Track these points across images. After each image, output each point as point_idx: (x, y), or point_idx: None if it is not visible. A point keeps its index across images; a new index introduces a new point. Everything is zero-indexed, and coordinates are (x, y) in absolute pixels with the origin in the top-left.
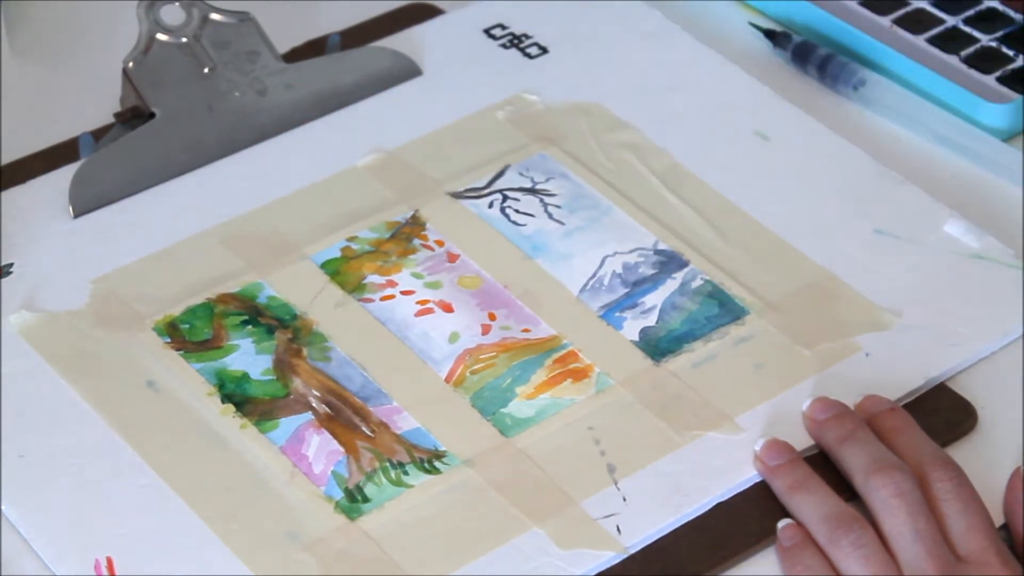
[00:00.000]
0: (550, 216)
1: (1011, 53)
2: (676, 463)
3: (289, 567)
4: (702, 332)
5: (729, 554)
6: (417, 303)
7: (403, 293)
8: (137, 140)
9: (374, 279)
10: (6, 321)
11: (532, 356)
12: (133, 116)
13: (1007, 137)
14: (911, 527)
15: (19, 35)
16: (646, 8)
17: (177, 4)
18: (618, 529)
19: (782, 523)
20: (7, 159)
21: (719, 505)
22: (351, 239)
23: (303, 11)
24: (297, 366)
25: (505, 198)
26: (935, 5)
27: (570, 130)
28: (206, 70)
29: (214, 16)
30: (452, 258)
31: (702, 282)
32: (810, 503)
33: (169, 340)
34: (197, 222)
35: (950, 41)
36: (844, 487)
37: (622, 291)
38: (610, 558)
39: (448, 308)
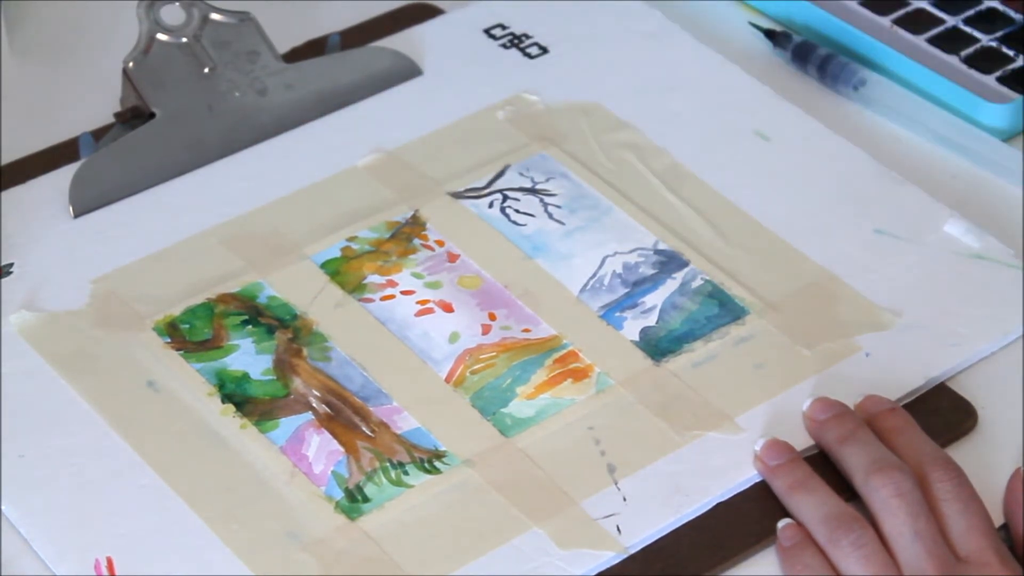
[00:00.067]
0: (550, 216)
1: (1011, 53)
2: (676, 463)
3: (289, 567)
4: (702, 332)
5: (729, 554)
6: (417, 303)
7: (403, 293)
8: (137, 140)
9: (374, 279)
10: (6, 321)
11: (532, 356)
12: (133, 116)
13: (1007, 137)
14: (911, 527)
15: (19, 35)
16: (646, 8)
17: (177, 4)
18: (618, 529)
19: (782, 523)
20: (7, 159)
21: (719, 505)
22: (351, 239)
23: (303, 11)
24: (297, 366)
25: (505, 198)
26: (935, 5)
27: (570, 130)
28: (206, 70)
29: (214, 16)
30: (452, 258)
31: (702, 282)
32: (810, 503)
33: (169, 340)
34: (197, 222)
35: (950, 41)
36: (844, 487)
37: (622, 291)
38: (610, 558)
39: (448, 308)
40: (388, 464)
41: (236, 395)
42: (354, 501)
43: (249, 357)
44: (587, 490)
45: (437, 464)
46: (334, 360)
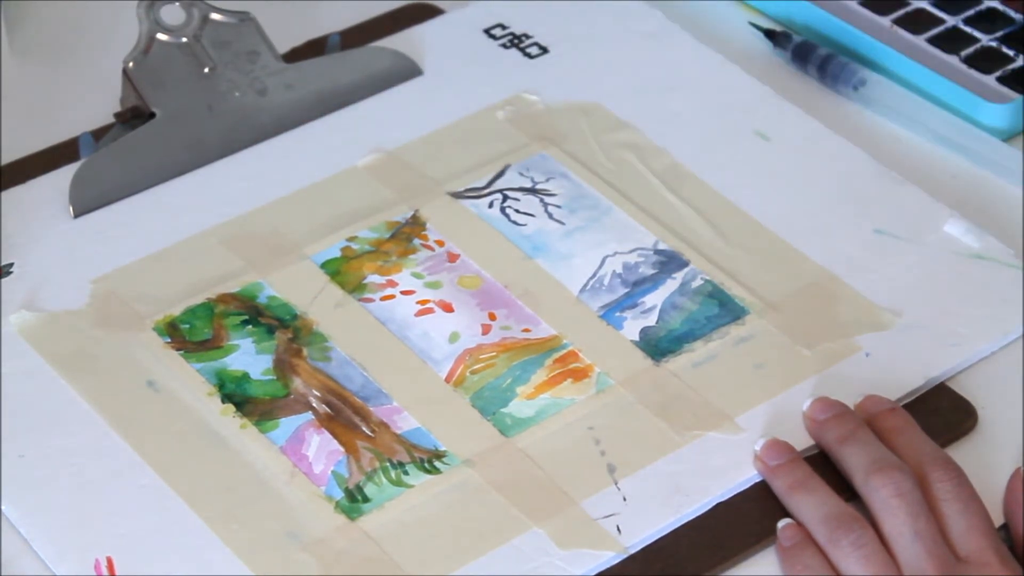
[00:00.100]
0: (550, 216)
1: (1011, 53)
2: (676, 463)
3: (289, 567)
4: (702, 332)
5: (729, 554)
6: (417, 303)
7: (403, 293)
8: (137, 140)
9: (374, 279)
10: (6, 321)
11: (532, 356)
12: (133, 116)
13: (1007, 137)
14: (911, 527)
15: (19, 35)
16: (646, 8)
17: (177, 4)
18: (618, 529)
19: (782, 523)
20: (7, 159)
21: (719, 505)
22: (351, 239)
23: (303, 11)
24: (297, 366)
25: (505, 198)
26: (935, 5)
27: (570, 130)
28: (206, 70)
29: (214, 16)
30: (452, 258)
31: (702, 282)
32: (810, 503)
33: (169, 340)
34: (197, 222)
35: (950, 41)
36: (844, 487)
37: (622, 291)
38: (610, 558)
39: (448, 308)
40: (388, 464)
41: (236, 395)
42: (354, 501)
43: (249, 357)
44: (587, 490)
45: (437, 464)
46: (334, 360)
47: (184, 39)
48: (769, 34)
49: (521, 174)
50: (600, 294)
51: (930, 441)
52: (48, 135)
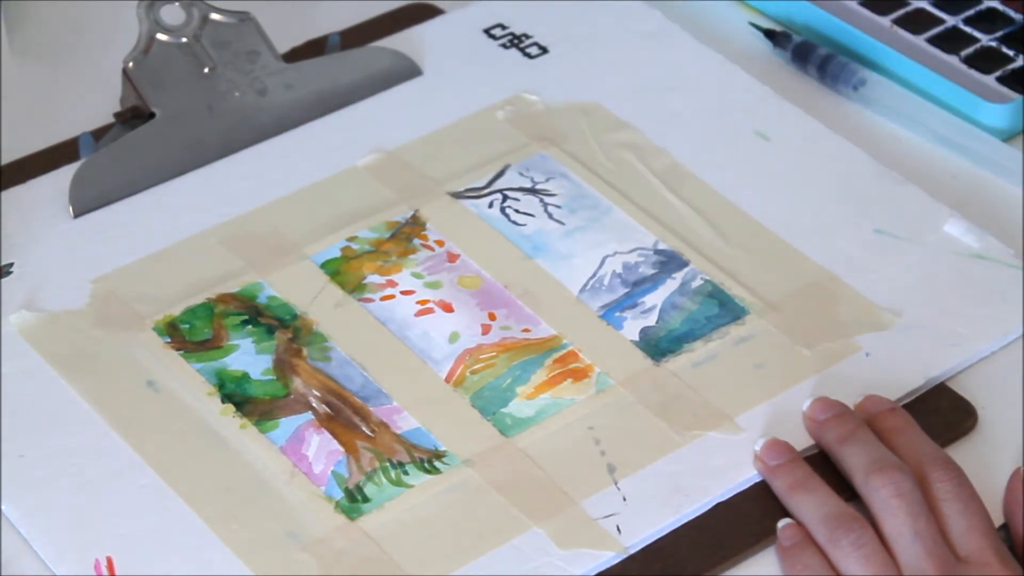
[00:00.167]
0: (550, 216)
1: (1011, 53)
2: (676, 463)
3: (289, 567)
4: (702, 332)
5: (729, 554)
6: (417, 303)
7: (403, 293)
8: (137, 140)
9: (374, 279)
10: (6, 321)
11: (532, 356)
12: (133, 116)
13: (1007, 137)
14: (911, 527)
15: (19, 35)
16: (646, 8)
17: (177, 4)
18: (618, 529)
19: (782, 523)
20: (7, 159)
21: (719, 505)
22: (351, 239)
23: (303, 11)
24: (297, 366)
25: (505, 198)
26: (935, 5)
27: (570, 130)
28: (206, 70)
29: (214, 16)
30: (452, 258)
31: (702, 282)
32: (810, 503)
33: (169, 340)
34: (197, 222)
35: (950, 41)
36: (844, 487)
37: (622, 291)
38: (610, 558)
39: (448, 308)
40: (388, 464)
41: (236, 395)
42: (354, 501)
43: (249, 357)
44: (587, 490)
45: (437, 464)
46: (334, 360)
47: (184, 39)
48: (769, 34)
49: (521, 174)
50: (600, 294)
51: (930, 441)
52: (48, 135)
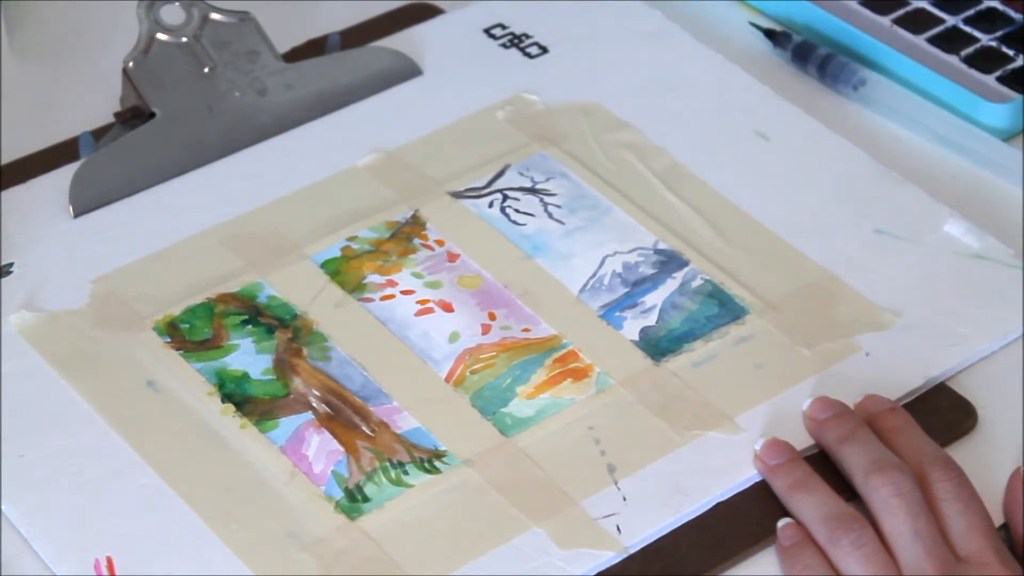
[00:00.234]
0: (550, 216)
1: (1011, 53)
2: (676, 463)
3: (289, 567)
4: (702, 332)
5: (729, 554)
6: (417, 303)
7: (403, 293)
8: (137, 140)
9: (374, 279)
10: (6, 321)
11: (532, 356)
12: (133, 116)
13: (1007, 137)
14: (911, 527)
15: (19, 35)
16: (646, 8)
17: (177, 4)
18: (618, 529)
19: (782, 522)
20: (7, 159)
21: (719, 505)
22: (351, 239)
23: (303, 11)
24: (297, 366)
25: (505, 198)
26: (935, 5)
27: (570, 130)
28: (206, 70)
29: (214, 16)
30: (452, 258)
31: (702, 282)
32: (810, 503)
33: (169, 340)
34: (197, 222)
35: (950, 41)
36: (844, 487)
37: (622, 291)
38: (610, 558)
39: (448, 308)
40: (388, 464)
41: (236, 395)
42: (354, 501)
43: (249, 357)
44: (587, 490)
45: (437, 464)
46: (334, 360)
47: (184, 39)
48: (769, 34)
49: (521, 174)
50: (600, 294)
51: (930, 441)
52: (48, 135)
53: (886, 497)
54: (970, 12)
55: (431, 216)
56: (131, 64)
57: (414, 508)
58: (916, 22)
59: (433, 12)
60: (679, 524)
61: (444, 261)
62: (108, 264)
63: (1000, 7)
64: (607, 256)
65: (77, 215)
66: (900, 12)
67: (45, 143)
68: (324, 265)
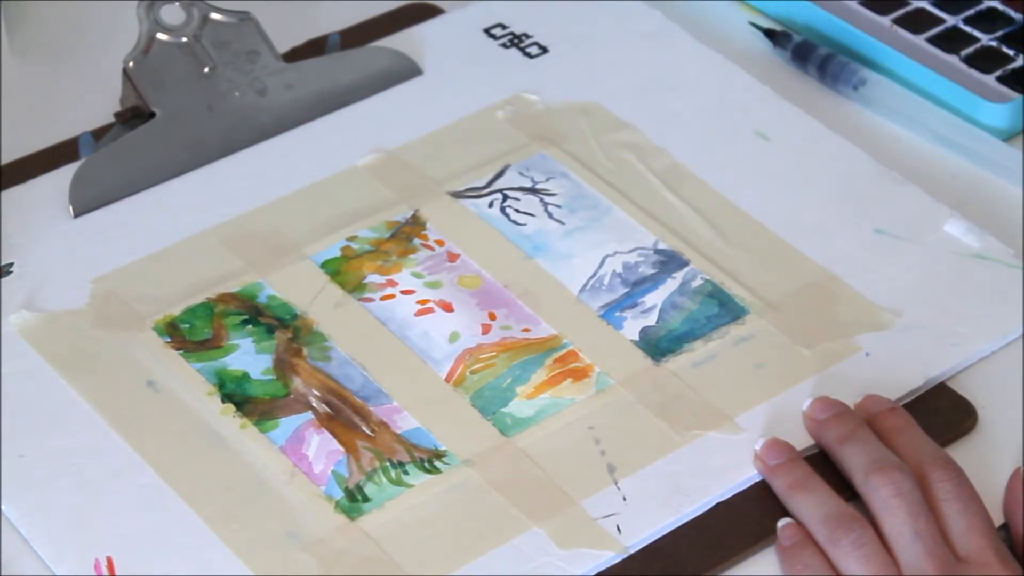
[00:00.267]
0: (550, 216)
1: (1011, 53)
2: (676, 463)
3: (289, 567)
4: (702, 332)
5: (729, 554)
6: (417, 303)
7: (403, 293)
8: (137, 140)
9: (374, 279)
10: (6, 321)
11: (532, 356)
12: (133, 116)
13: (1007, 137)
14: (911, 527)
15: (19, 35)
16: (646, 8)
17: (177, 4)
18: (618, 529)
19: (782, 522)
20: (7, 159)
21: (719, 505)
22: (351, 239)
23: (303, 11)
24: (297, 366)
25: (505, 198)
26: (935, 5)
27: (570, 130)
28: (206, 70)
29: (214, 16)
30: (452, 258)
31: (702, 282)
32: (810, 503)
33: (169, 340)
34: (197, 222)
35: (950, 41)
36: (844, 487)
37: (622, 291)
38: (610, 558)
39: (448, 308)
40: (388, 464)
41: (236, 395)
42: (354, 501)
43: (249, 357)
44: (587, 490)
45: (437, 464)
46: (334, 360)
47: (184, 39)
48: (769, 34)
49: (521, 174)
50: (600, 294)
51: (930, 441)
52: (48, 135)
53: (886, 497)
54: (970, 12)
55: (431, 216)
56: (131, 64)
57: (414, 508)
58: (916, 22)
59: (433, 12)
60: (679, 524)
61: (444, 261)
62: (108, 264)
63: (1000, 7)
64: (607, 256)
65: (77, 215)
66: (900, 12)
67: (45, 143)
68: (324, 265)
